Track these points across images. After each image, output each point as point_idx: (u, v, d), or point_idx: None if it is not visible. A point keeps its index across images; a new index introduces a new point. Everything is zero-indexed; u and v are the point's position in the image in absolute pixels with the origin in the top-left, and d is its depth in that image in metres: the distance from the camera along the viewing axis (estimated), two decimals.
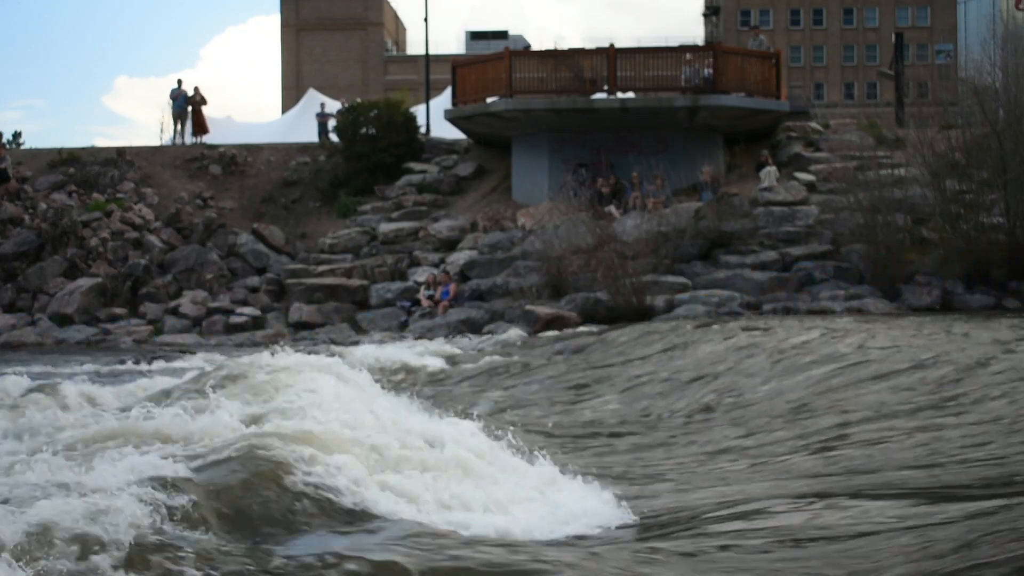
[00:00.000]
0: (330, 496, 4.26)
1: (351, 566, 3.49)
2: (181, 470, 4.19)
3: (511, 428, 6.17)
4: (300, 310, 22.06)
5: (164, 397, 6.90)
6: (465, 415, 6.91)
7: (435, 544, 3.80)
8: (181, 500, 3.87)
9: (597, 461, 6.82)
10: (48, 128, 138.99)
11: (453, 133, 27.77)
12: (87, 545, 3.27)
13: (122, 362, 16.29)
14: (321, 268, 23.40)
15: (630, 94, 24.68)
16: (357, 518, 4.21)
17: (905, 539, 3.84)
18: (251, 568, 3.51)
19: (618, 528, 4.59)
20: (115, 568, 3.24)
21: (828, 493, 4.87)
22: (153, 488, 3.87)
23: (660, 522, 4.71)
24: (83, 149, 29.03)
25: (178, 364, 15.13)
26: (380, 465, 4.68)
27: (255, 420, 5.38)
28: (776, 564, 3.78)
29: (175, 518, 3.73)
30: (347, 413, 5.51)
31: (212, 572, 3.41)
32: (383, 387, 7.34)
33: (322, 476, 4.35)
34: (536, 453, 5.46)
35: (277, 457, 4.41)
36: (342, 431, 4.98)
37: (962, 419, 6.89)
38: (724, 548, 4.07)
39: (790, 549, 3.94)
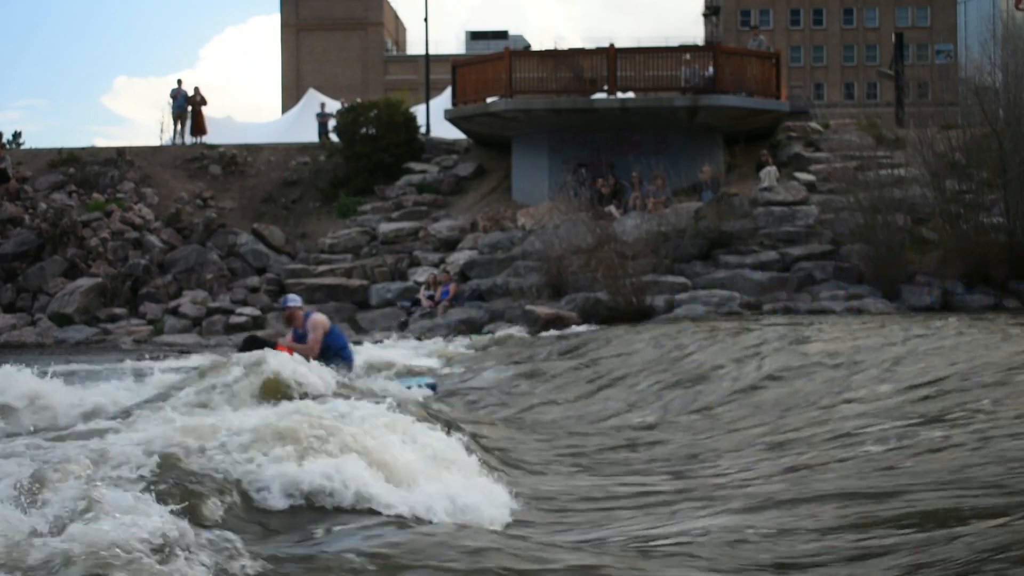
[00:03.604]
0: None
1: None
2: None
3: None
4: None
5: None
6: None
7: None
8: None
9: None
10: (48, 128, 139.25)
11: (453, 133, 27.76)
12: (72, 548, 3.26)
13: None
14: (321, 268, 23.40)
15: (630, 94, 24.67)
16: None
17: None
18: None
19: None
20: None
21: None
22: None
23: None
24: (83, 149, 29.04)
25: None
26: None
27: None
28: None
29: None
30: None
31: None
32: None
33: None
34: None
35: None
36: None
37: None
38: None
39: None
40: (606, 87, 24.45)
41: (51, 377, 9.49)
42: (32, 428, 7.33)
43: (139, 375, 10.90)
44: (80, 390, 9.67)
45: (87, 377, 12.19)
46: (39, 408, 8.92)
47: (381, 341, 18.46)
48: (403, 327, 20.84)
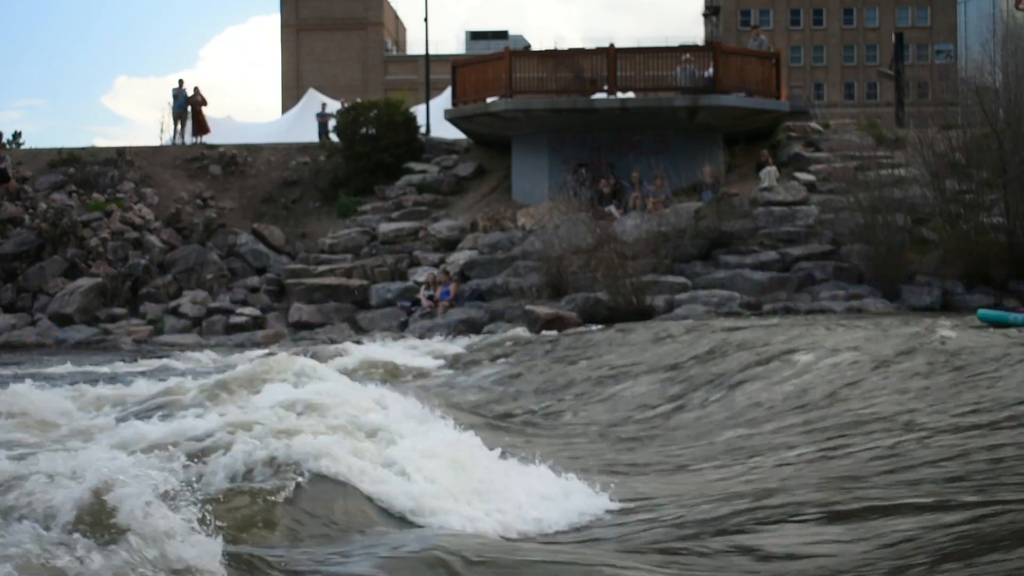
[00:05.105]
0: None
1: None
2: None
3: None
4: (300, 310, 22.06)
5: None
6: None
7: None
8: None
9: None
10: (48, 128, 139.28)
11: (453, 133, 27.75)
12: (118, 551, 3.23)
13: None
14: (321, 268, 23.39)
15: (630, 94, 24.66)
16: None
17: None
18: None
19: None
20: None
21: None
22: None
23: None
24: (83, 149, 29.02)
25: None
26: None
27: None
28: None
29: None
30: None
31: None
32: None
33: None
34: None
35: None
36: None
37: None
38: None
39: None
40: (606, 87, 24.44)
41: None
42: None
43: None
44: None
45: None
46: None
47: (379, 341, 18.45)
48: (403, 327, 20.84)
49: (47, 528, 3.38)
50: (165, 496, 3.60)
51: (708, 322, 15.20)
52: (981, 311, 13.56)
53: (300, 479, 4.35)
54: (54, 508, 3.55)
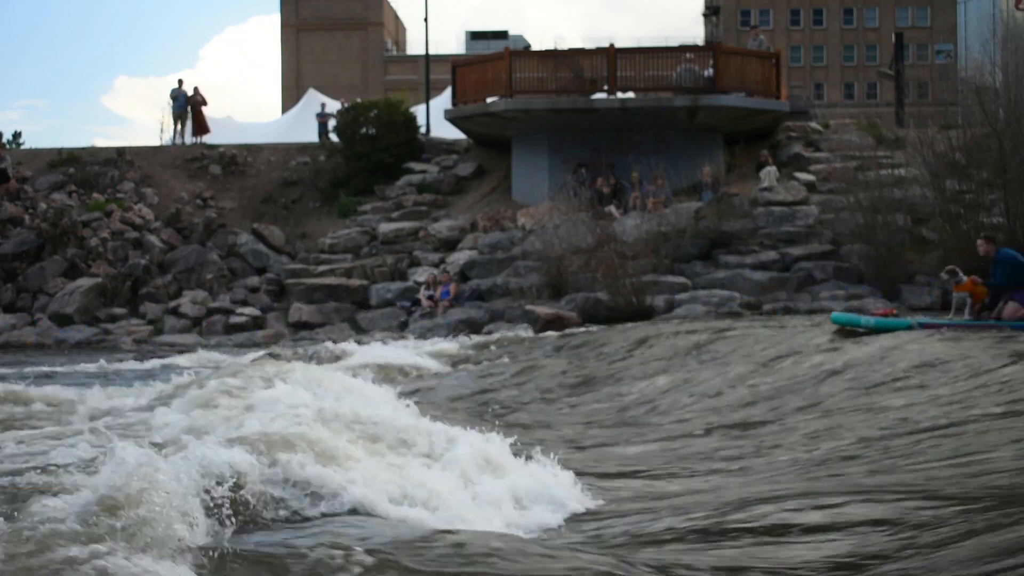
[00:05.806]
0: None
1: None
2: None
3: None
4: (300, 310, 22.06)
5: None
6: None
7: None
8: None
9: None
10: (48, 128, 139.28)
11: (453, 133, 27.76)
12: (52, 541, 3.30)
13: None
14: (321, 268, 23.40)
15: (630, 94, 24.66)
16: None
17: None
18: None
19: None
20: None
21: None
22: None
23: None
24: (83, 149, 29.02)
25: None
26: None
27: None
28: None
29: None
30: None
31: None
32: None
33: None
34: None
35: None
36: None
37: None
38: None
39: None
40: (606, 87, 24.44)
41: None
42: None
43: None
44: None
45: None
46: None
47: (382, 341, 18.43)
48: (403, 327, 20.83)
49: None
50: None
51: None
52: (834, 314, 13.15)
53: None
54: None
